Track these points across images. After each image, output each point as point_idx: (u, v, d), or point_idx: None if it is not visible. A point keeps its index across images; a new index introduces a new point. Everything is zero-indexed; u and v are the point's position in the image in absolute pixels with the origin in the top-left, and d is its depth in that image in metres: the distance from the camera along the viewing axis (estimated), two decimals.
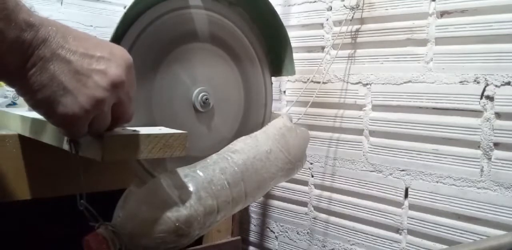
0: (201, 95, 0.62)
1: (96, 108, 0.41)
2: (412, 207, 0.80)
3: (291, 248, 1.03)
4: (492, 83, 0.70)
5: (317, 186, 0.97)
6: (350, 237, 0.91)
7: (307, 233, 0.99)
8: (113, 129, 0.47)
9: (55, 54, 0.39)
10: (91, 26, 1.13)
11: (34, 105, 0.41)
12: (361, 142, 0.88)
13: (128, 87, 0.44)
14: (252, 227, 1.13)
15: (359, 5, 0.86)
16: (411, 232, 0.81)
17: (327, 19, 0.94)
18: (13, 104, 0.81)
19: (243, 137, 0.66)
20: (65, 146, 0.49)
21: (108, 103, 0.42)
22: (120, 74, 0.42)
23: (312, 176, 0.98)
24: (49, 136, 0.55)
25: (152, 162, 0.58)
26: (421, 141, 0.79)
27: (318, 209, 0.97)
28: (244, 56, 0.70)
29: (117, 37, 0.54)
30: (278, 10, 0.77)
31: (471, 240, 0.72)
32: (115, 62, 0.42)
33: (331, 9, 0.93)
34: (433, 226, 0.77)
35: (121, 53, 0.44)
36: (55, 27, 0.40)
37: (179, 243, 0.54)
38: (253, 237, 1.13)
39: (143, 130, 0.49)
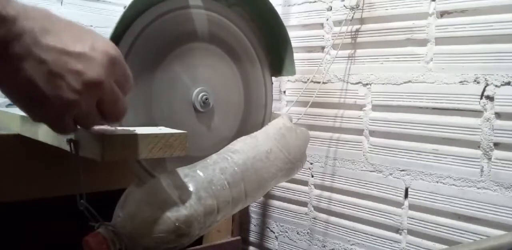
0: (201, 95, 0.62)
1: (71, 110, 0.39)
2: (412, 207, 0.80)
3: (291, 248, 1.03)
4: (492, 83, 0.70)
5: (317, 186, 0.97)
6: (350, 237, 0.91)
7: (307, 233, 0.99)
8: (106, 125, 0.46)
9: (29, 53, 0.36)
10: (91, 26, 1.13)
11: (15, 104, 0.41)
12: (361, 142, 0.88)
13: (110, 86, 0.41)
14: (252, 227, 1.13)
15: (359, 5, 0.86)
16: (411, 232, 0.81)
17: (327, 19, 0.94)
18: (13, 104, 0.81)
19: (243, 137, 0.66)
20: (65, 146, 0.49)
21: (85, 104, 0.40)
22: (98, 75, 0.39)
23: (312, 176, 0.98)
24: (48, 136, 0.55)
25: (152, 162, 0.58)
26: (421, 141, 0.79)
27: (318, 209, 0.97)
28: (244, 56, 0.70)
29: (116, 37, 0.54)
30: (278, 10, 0.77)
31: (471, 240, 0.72)
32: (94, 60, 0.39)
33: (331, 9, 0.93)
34: (433, 226, 0.77)
35: (103, 48, 0.40)
36: (32, 21, 0.36)
37: (179, 243, 0.54)
38: (253, 237, 1.13)
39: (143, 130, 0.50)
